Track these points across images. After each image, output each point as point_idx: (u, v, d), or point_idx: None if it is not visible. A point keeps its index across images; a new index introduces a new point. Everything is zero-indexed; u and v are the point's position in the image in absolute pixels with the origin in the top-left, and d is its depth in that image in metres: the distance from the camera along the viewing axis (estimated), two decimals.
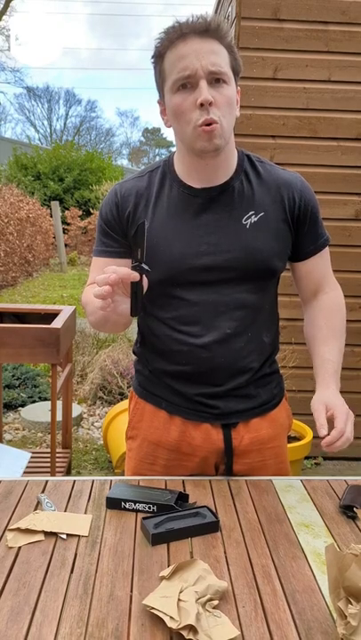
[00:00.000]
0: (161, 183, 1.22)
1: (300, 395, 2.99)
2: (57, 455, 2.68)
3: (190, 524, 1.04)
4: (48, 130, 34.79)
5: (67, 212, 13.16)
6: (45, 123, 35.10)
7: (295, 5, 2.68)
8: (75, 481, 1.25)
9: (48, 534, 1.03)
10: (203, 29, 1.06)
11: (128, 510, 1.12)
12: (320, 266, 1.31)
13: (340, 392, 3.24)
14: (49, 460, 2.48)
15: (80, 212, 13.26)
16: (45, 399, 3.78)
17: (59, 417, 2.93)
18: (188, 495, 1.17)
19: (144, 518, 1.05)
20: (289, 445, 2.50)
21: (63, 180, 15.13)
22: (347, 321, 2.97)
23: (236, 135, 2.81)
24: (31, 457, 2.67)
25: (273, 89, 2.74)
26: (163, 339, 1.24)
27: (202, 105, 1.06)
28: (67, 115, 35.02)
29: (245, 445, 1.28)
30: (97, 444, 3.25)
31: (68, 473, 2.84)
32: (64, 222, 12.52)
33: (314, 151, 2.80)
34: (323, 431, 1.12)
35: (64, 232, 12.19)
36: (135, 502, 1.12)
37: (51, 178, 15.11)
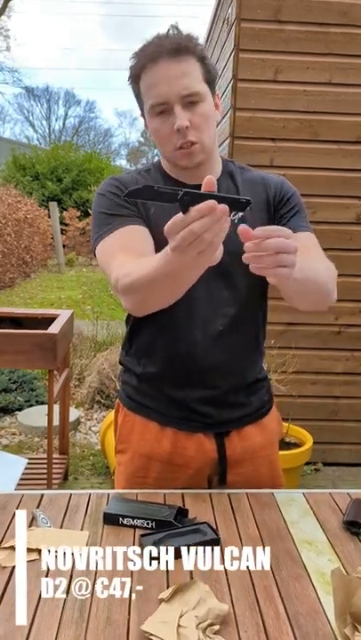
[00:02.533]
0: (155, 179, 1.22)
1: (300, 400, 2.97)
2: (54, 461, 2.64)
3: (190, 542, 1.01)
4: (47, 130, 34.77)
5: (65, 212, 13.11)
6: (44, 123, 35.08)
7: (296, 7, 2.65)
8: (71, 494, 1.22)
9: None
10: (172, 50, 1.06)
11: (126, 526, 1.08)
12: (303, 241, 1.10)
13: (341, 397, 3.22)
14: (46, 466, 2.45)
15: (78, 213, 13.22)
16: (43, 403, 3.74)
17: (56, 421, 2.90)
18: (187, 510, 1.13)
19: (142, 535, 1.02)
20: (289, 452, 2.48)
21: (62, 180, 15.09)
22: (346, 325, 2.98)
23: (235, 138, 2.82)
24: (27, 463, 2.64)
25: (273, 91, 2.71)
26: (154, 338, 1.23)
27: (179, 130, 1.09)
28: (65, 115, 35.01)
29: (239, 454, 1.27)
30: (94, 449, 3.22)
31: (65, 479, 2.80)
32: (62, 223, 12.48)
33: (314, 154, 2.77)
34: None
35: (62, 233, 12.15)
36: (133, 518, 1.09)
37: (49, 178, 15.06)
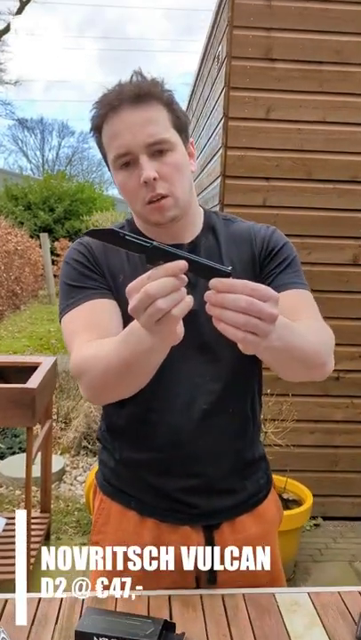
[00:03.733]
0: None
1: (298, 450, 2.81)
2: (35, 521, 2.46)
3: None
4: (40, 160, 35.07)
5: (57, 242, 13.06)
6: (38, 153, 35.41)
7: (288, 45, 2.58)
8: (40, 600, 1.05)
9: None
10: (134, 96, 0.96)
11: None
12: (293, 302, 1.01)
13: (341, 447, 3.05)
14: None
15: (70, 243, 13.16)
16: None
17: (37, 472, 2.72)
18: (174, 624, 0.97)
19: None
20: (288, 513, 2.30)
21: (54, 210, 15.10)
22: (345, 371, 2.84)
23: (227, 177, 2.71)
24: (6, 523, 2.45)
25: (266, 129, 2.63)
26: (132, 420, 1.07)
27: (146, 182, 0.96)
28: (59, 145, 35.36)
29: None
30: (79, 502, 3.02)
31: (47, 539, 2.61)
32: (54, 253, 12.41)
33: (308, 194, 2.67)
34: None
35: (53, 263, 12.06)
36: (110, 638, 0.92)
37: (41, 208, 15.07)
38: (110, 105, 0.97)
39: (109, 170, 1.04)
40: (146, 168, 0.95)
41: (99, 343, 0.92)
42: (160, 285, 0.68)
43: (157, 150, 0.97)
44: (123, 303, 1.00)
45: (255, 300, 0.69)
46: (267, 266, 1.07)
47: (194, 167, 1.05)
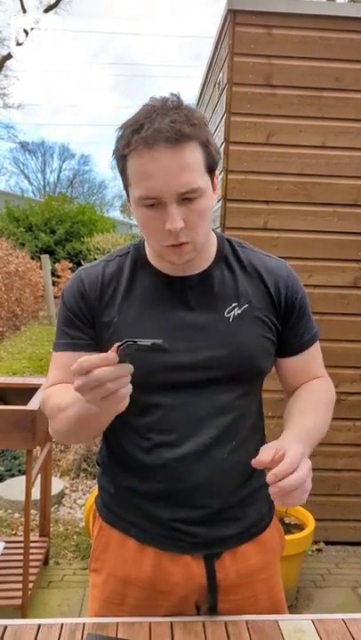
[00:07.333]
0: (132, 270, 1.07)
1: None
2: (33, 545, 2.42)
3: None
4: (42, 182, 35.47)
5: (57, 264, 13.12)
6: (39, 175, 35.82)
7: (288, 72, 2.63)
8: (39, 626, 1.04)
9: None
10: (173, 138, 0.88)
11: None
12: (308, 364, 1.16)
13: (343, 470, 3.01)
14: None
15: (70, 265, 13.24)
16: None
17: (36, 495, 2.69)
18: None
19: None
20: (290, 538, 2.27)
21: (55, 231, 15.20)
22: (347, 393, 2.82)
23: (228, 200, 2.73)
24: (4, 547, 2.42)
25: (266, 154, 2.66)
26: (132, 450, 1.06)
27: (170, 230, 0.94)
28: (60, 168, 35.81)
29: (232, 579, 1.09)
30: (79, 526, 2.98)
31: (45, 564, 2.57)
32: (54, 274, 12.46)
33: (310, 217, 2.70)
34: (264, 457, 0.89)
35: (54, 284, 12.11)
36: None
37: (42, 229, 15.17)
38: (144, 140, 0.89)
39: (127, 195, 0.99)
40: (173, 218, 0.92)
41: (63, 394, 0.98)
42: (109, 372, 0.76)
43: (187, 198, 0.93)
44: (112, 337, 1.03)
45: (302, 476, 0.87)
46: (289, 318, 1.10)
47: (215, 200, 1.03)
